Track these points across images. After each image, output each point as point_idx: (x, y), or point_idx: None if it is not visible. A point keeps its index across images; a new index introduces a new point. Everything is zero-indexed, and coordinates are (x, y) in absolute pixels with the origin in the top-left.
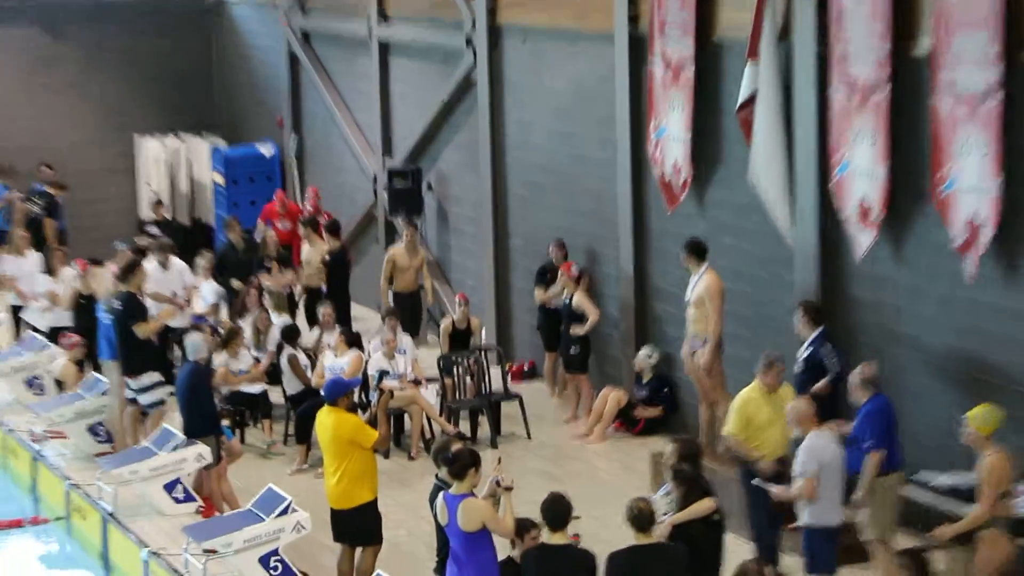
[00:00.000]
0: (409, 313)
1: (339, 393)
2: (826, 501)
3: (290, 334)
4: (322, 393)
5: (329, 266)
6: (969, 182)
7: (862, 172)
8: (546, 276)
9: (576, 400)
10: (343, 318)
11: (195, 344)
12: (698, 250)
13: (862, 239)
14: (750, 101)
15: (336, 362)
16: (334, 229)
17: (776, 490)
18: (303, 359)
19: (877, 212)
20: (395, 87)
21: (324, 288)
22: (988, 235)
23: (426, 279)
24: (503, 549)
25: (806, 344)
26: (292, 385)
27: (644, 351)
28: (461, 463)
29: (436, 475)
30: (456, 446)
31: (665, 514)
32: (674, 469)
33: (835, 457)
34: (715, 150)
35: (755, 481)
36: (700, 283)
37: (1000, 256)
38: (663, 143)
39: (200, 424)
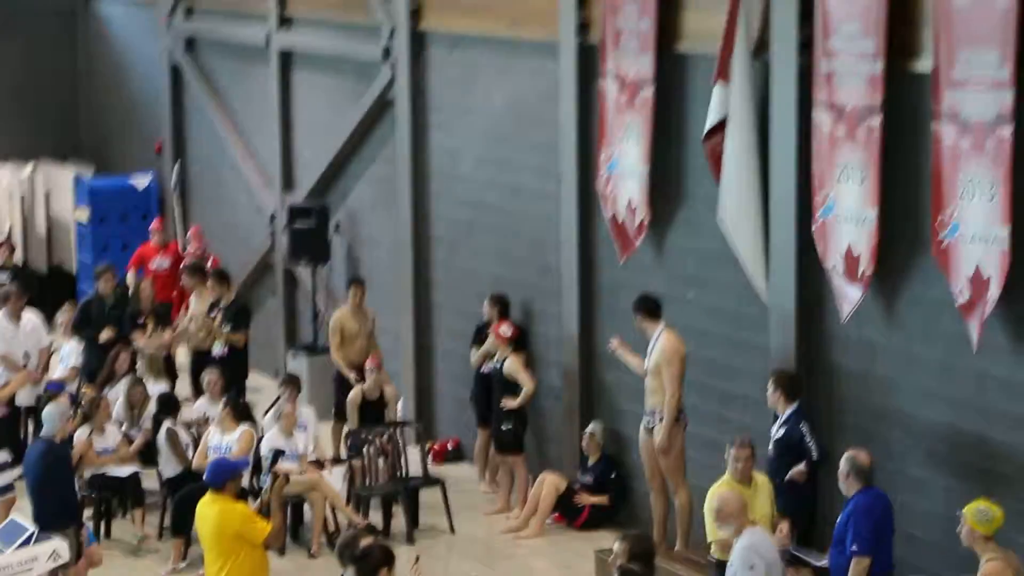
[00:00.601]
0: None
1: (225, 477)
2: None
3: (168, 405)
4: (204, 478)
5: (232, 318)
6: (974, 229)
7: (849, 215)
8: (482, 336)
9: (509, 486)
10: (237, 386)
11: (51, 416)
12: (650, 307)
13: (848, 296)
14: (719, 128)
15: (223, 440)
16: (222, 277)
17: None
18: (184, 436)
19: (866, 263)
20: (298, 107)
21: (222, 349)
22: (996, 293)
23: (375, 348)
24: None
25: (779, 422)
26: (170, 466)
27: (590, 428)
28: (371, 563)
29: None
30: (365, 541)
31: None
32: (622, 570)
33: (776, 559)
34: (677, 187)
35: None
36: (656, 346)
37: (1009, 318)
38: (615, 178)
39: (55, 514)
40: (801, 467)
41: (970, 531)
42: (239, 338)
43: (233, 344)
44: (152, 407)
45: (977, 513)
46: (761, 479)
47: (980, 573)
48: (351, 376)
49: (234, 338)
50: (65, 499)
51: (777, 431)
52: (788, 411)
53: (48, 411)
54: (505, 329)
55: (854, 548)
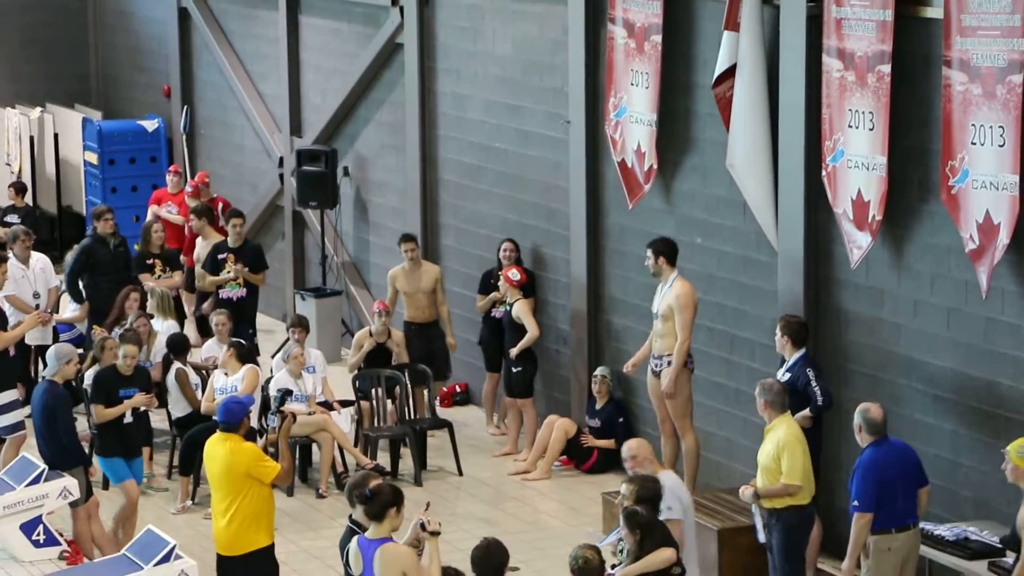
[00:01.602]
0: (425, 350)
1: (236, 416)
2: (689, 551)
3: (178, 346)
4: (216, 417)
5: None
6: (984, 175)
7: (859, 161)
8: (491, 282)
9: (517, 429)
10: (250, 328)
11: (51, 357)
12: (668, 252)
13: (858, 242)
14: (728, 75)
15: (228, 382)
16: (238, 215)
17: None
18: (194, 377)
19: (876, 209)
20: (306, 52)
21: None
22: (1005, 240)
23: (441, 306)
24: None
25: (785, 367)
26: (179, 407)
27: (600, 371)
28: (380, 502)
29: (350, 516)
30: (375, 481)
31: (615, 566)
32: (628, 512)
33: (690, 502)
34: (686, 132)
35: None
36: (670, 292)
37: (1019, 265)
38: (624, 124)
39: (56, 454)
40: (806, 412)
41: (1015, 468)
42: (259, 278)
43: (255, 283)
44: (159, 344)
45: (1021, 449)
46: (777, 423)
47: None
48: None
49: (256, 278)
50: (63, 441)
51: (783, 376)
52: (795, 357)
53: (49, 352)
54: (514, 273)
55: (855, 504)
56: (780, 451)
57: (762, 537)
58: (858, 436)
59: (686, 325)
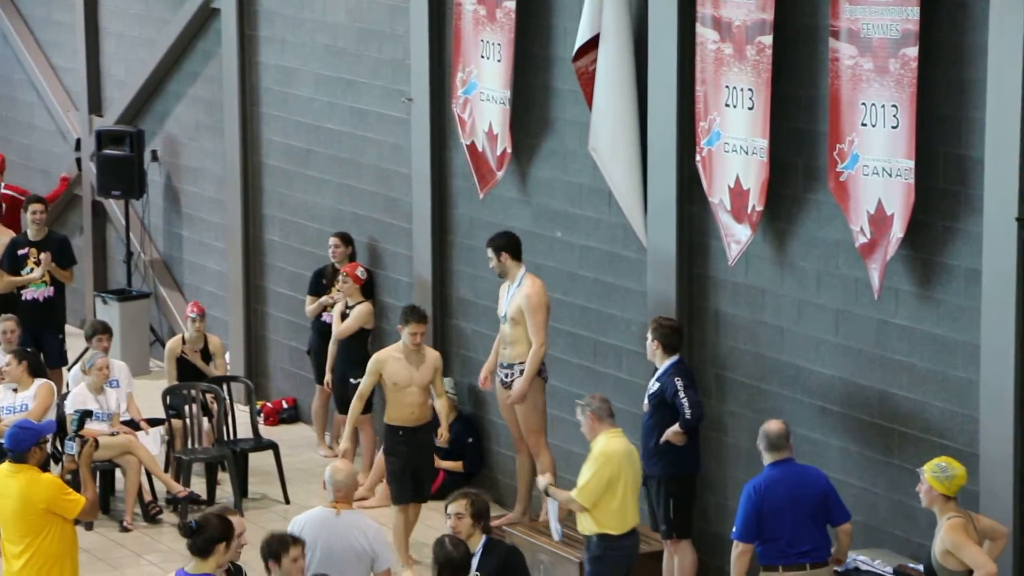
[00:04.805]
0: (415, 462)
1: (28, 443)
2: None
3: None
4: (3, 444)
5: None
6: (876, 160)
7: (737, 145)
8: (321, 282)
9: (352, 450)
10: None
11: None
12: (511, 247)
13: (736, 236)
14: (591, 46)
15: (17, 399)
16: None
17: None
18: None
19: (756, 199)
20: (107, 18)
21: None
22: (899, 233)
23: (440, 398)
24: None
25: (655, 378)
26: None
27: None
28: (207, 536)
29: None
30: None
31: None
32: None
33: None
34: (544, 113)
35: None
36: (518, 292)
37: (914, 261)
38: (474, 102)
39: None
40: (675, 428)
41: (930, 490)
42: (67, 275)
43: (62, 281)
44: None
45: (937, 470)
46: (601, 436)
47: (941, 530)
48: (348, 443)
49: (64, 274)
50: None
51: (652, 386)
52: (666, 364)
53: None
54: (361, 272)
55: (733, 530)
56: (586, 464)
57: (555, 534)
58: (762, 456)
59: (539, 328)
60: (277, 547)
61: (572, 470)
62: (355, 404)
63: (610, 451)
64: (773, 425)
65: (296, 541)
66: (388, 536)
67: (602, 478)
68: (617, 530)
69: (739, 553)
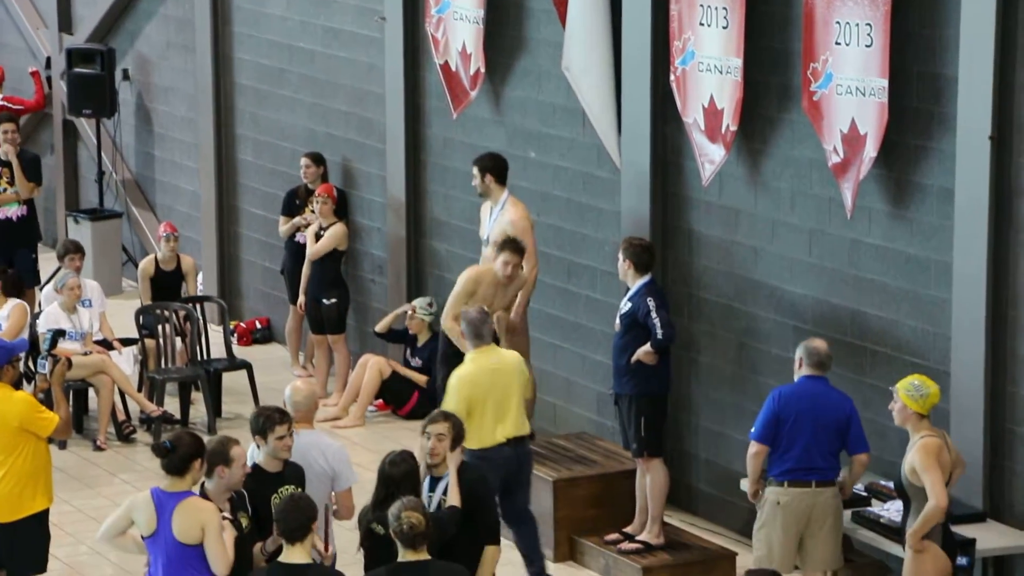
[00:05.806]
0: None
1: (0, 361)
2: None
3: None
4: None
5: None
6: (850, 79)
7: (711, 64)
8: (295, 202)
9: (326, 370)
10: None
11: None
12: (497, 169)
13: (710, 155)
14: None
15: None
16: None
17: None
18: None
19: (730, 118)
20: None
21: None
22: (872, 152)
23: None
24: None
25: (626, 297)
26: None
27: (420, 302)
28: (181, 455)
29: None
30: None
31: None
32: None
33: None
34: (518, 32)
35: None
36: (502, 215)
37: (887, 180)
38: (447, 21)
39: None
40: (646, 348)
41: (903, 408)
42: (31, 186)
43: (25, 194)
44: None
45: (910, 388)
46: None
47: (913, 448)
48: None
49: (27, 185)
50: None
51: (624, 306)
52: (638, 284)
53: None
54: (333, 191)
55: (752, 430)
56: None
57: None
58: (795, 372)
59: (530, 252)
60: (264, 424)
61: (548, 390)
62: (452, 325)
63: (461, 374)
64: (821, 343)
65: (284, 418)
66: (349, 455)
67: (457, 406)
68: (485, 444)
69: (754, 453)
